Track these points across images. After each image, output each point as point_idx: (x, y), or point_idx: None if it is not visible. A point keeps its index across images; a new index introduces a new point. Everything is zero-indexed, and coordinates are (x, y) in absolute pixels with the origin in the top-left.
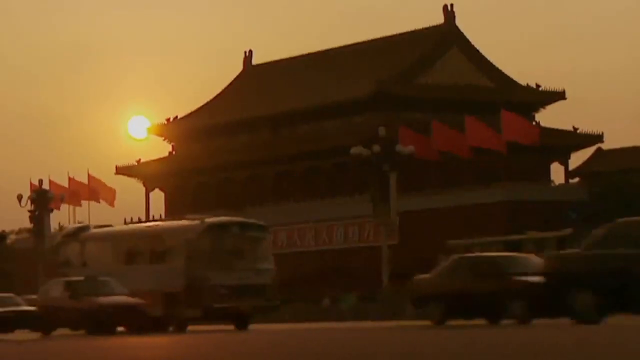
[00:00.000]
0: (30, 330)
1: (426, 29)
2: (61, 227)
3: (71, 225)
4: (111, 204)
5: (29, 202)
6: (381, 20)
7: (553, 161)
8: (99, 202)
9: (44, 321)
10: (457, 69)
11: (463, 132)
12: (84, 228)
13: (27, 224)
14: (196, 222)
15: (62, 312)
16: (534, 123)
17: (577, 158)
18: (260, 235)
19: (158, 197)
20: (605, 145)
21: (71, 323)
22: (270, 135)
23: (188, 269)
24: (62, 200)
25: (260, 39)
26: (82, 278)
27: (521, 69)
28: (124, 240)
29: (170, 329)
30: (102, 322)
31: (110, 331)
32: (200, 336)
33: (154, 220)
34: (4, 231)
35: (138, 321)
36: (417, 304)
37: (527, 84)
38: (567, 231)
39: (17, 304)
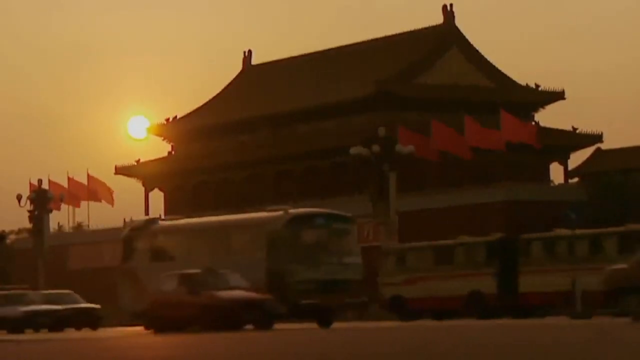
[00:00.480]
0: (90, 328)
1: (426, 29)
2: (131, 221)
3: (140, 218)
4: (110, 203)
5: (28, 202)
6: (381, 20)
7: (552, 161)
8: (100, 202)
9: (156, 318)
10: (457, 69)
11: (462, 132)
12: (153, 220)
13: (27, 224)
14: (279, 212)
15: (178, 308)
16: (533, 123)
17: (577, 158)
18: (346, 227)
19: (157, 197)
20: (604, 145)
21: (187, 319)
22: (269, 135)
23: (270, 262)
24: (61, 200)
25: (259, 39)
26: (198, 271)
27: (521, 69)
28: (199, 233)
29: (250, 326)
30: (225, 318)
31: (235, 327)
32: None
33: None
34: (3, 231)
35: (264, 317)
36: (611, 297)
37: (527, 84)
38: (496, 235)
39: (76, 302)
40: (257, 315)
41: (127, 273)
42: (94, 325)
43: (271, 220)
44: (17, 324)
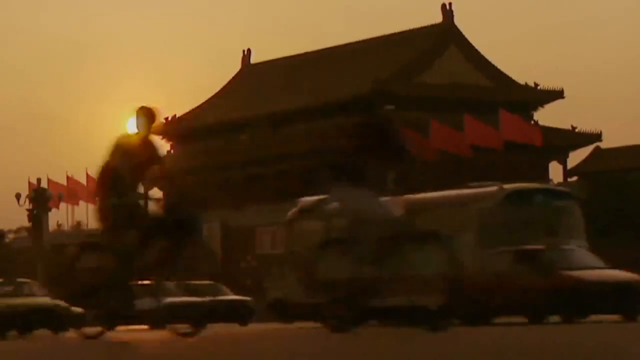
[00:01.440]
0: (239, 323)
1: (425, 27)
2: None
3: (308, 199)
4: None
5: (27, 201)
6: (380, 19)
7: (551, 160)
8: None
9: (480, 304)
10: (456, 67)
11: (462, 131)
12: (326, 200)
13: (26, 223)
14: (492, 188)
15: (513, 292)
16: (532, 122)
17: (576, 157)
18: (570, 204)
19: None
20: (603, 144)
21: (528, 307)
22: (269, 134)
23: (482, 245)
24: (60, 199)
25: (258, 38)
26: (542, 247)
27: (520, 67)
28: None
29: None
30: (589, 306)
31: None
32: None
33: None
34: (2, 230)
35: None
36: None
37: (526, 83)
38: None
39: (222, 293)
40: (624, 301)
41: (295, 260)
42: (244, 320)
43: (484, 196)
44: (158, 318)
